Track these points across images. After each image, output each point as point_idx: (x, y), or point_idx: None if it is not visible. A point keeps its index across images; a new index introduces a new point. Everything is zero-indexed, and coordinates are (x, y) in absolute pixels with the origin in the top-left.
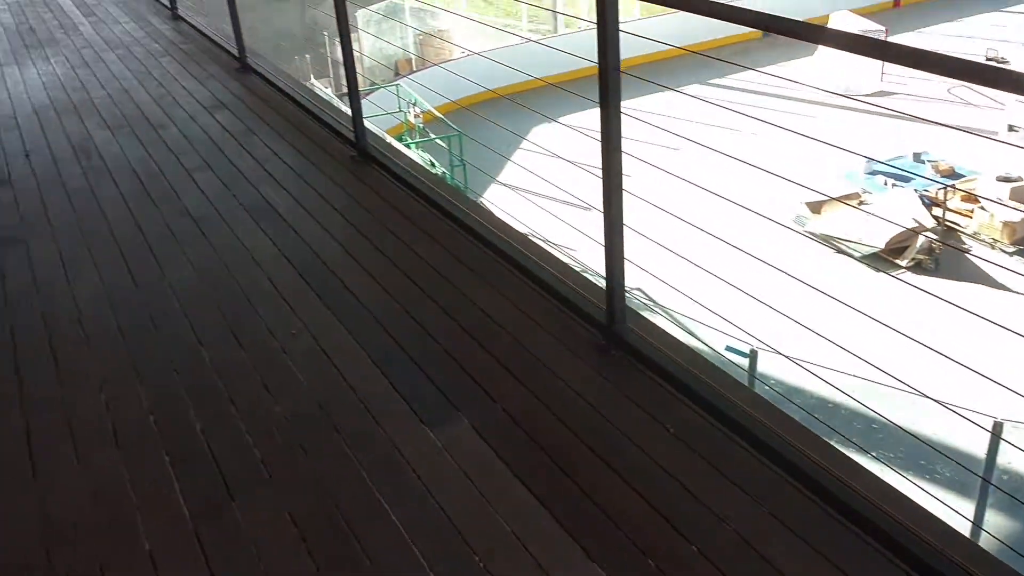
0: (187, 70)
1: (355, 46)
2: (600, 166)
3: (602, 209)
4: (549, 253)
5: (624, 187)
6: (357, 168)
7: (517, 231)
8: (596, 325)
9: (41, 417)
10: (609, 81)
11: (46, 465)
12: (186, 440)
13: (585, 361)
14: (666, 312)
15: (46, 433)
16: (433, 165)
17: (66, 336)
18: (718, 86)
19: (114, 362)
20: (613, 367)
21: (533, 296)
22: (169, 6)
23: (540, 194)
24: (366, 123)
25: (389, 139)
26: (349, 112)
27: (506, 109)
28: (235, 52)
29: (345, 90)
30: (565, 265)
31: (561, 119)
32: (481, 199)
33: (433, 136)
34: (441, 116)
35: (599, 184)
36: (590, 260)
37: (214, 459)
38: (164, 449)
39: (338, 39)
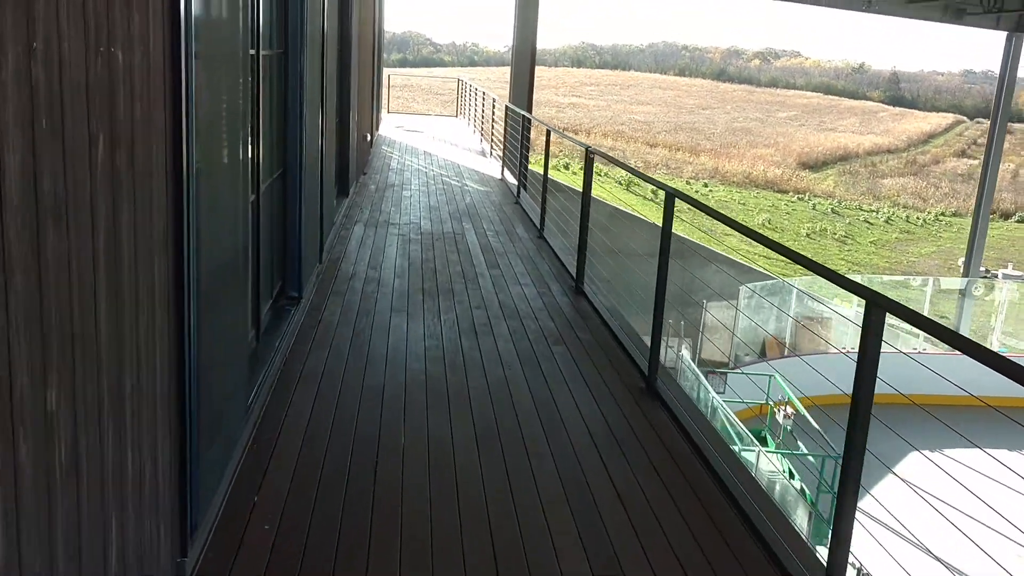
0: (580, 371)
1: (730, 317)
2: None
3: None
4: None
5: None
6: None
7: None
8: None
9: None
10: None
11: None
12: None
13: None
14: None
15: None
16: (792, 476)
17: None
18: None
19: None
20: None
21: None
22: (574, 278)
23: (928, 550)
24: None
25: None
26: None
27: (916, 419)
28: (643, 367)
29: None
30: None
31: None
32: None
33: (805, 451)
34: (811, 419)
35: None
36: None
37: None
38: None
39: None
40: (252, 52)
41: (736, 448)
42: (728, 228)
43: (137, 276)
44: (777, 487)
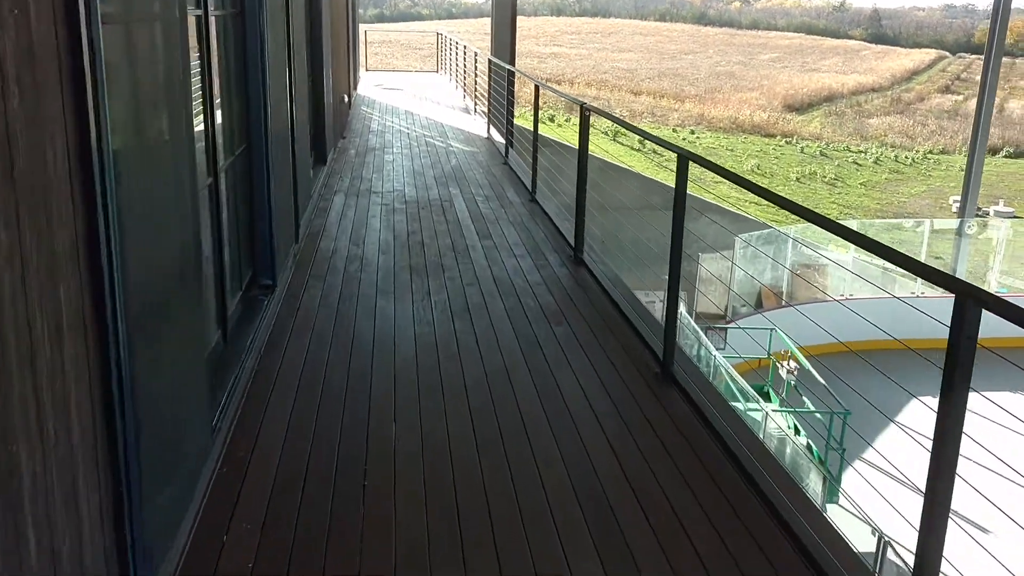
0: (587, 355)
1: (725, 269)
2: None
3: None
4: None
5: None
6: None
7: None
8: None
9: None
10: None
11: None
12: None
13: None
14: None
15: None
16: (798, 431)
17: None
18: None
19: None
20: None
21: None
22: (572, 247)
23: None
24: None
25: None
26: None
27: (912, 365)
28: (656, 349)
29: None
30: None
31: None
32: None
33: (811, 408)
34: (819, 377)
35: None
36: None
37: None
38: None
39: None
40: (198, 13)
41: (740, 406)
42: (718, 176)
43: (28, 313)
44: (788, 449)
